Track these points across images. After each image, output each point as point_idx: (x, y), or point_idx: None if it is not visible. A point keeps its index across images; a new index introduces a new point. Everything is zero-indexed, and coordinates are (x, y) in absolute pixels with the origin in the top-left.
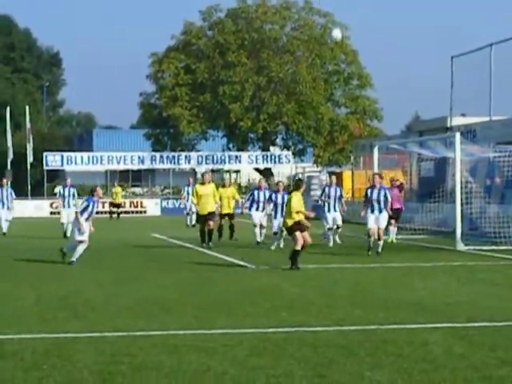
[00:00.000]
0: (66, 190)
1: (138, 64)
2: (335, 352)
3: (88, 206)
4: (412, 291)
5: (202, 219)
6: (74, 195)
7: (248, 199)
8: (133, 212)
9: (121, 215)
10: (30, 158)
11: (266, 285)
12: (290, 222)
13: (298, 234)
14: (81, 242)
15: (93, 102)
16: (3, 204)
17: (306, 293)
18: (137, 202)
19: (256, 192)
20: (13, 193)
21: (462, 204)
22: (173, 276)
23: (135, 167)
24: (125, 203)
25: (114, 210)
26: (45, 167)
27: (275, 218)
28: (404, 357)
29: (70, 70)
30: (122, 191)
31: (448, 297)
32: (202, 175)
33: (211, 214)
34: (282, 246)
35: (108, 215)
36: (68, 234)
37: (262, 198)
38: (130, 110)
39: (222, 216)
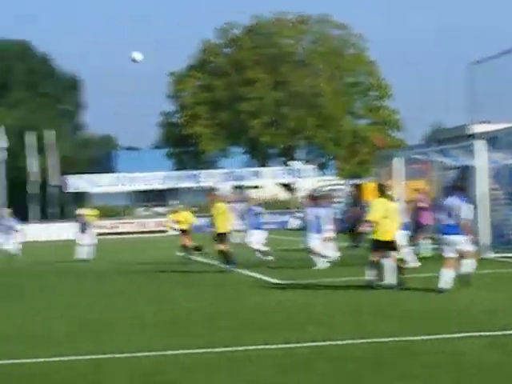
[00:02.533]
0: None
1: (158, 84)
2: (363, 365)
3: None
4: (443, 300)
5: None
6: None
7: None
8: (156, 232)
9: (144, 235)
10: (53, 182)
11: (290, 299)
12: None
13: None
14: None
15: (113, 124)
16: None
17: (331, 306)
18: (160, 222)
19: None
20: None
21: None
22: (188, 293)
23: (158, 187)
24: (148, 223)
25: None
26: (68, 190)
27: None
28: (434, 367)
29: (90, 92)
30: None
31: (480, 305)
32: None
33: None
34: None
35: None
36: None
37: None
38: (150, 130)
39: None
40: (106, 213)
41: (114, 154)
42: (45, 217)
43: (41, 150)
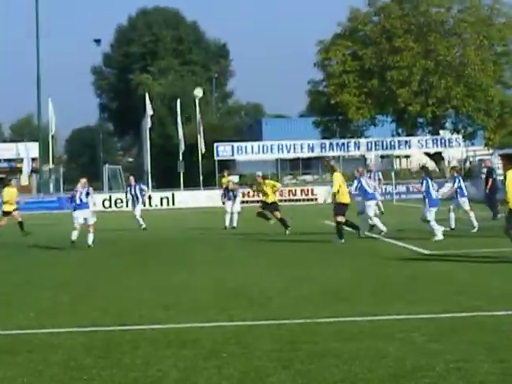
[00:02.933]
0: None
1: (305, 52)
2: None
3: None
4: None
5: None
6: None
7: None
8: (304, 200)
9: (291, 203)
10: (201, 149)
11: (436, 270)
12: None
13: None
14: None
15: (261, 92)
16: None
17: (478, 277)
18: (307, 190)
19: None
20: (144, 187)
21: None
22: (343, 263)
23: (305, 155)
24: (295, 191)
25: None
26: (216, 158)
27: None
28: None
29: (238, 60)
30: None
31: None
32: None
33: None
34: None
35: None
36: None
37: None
38: (298, 98)
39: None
40: (253, 181)
41: (262, 121)
42: (192, 184)
43: (188, 117)
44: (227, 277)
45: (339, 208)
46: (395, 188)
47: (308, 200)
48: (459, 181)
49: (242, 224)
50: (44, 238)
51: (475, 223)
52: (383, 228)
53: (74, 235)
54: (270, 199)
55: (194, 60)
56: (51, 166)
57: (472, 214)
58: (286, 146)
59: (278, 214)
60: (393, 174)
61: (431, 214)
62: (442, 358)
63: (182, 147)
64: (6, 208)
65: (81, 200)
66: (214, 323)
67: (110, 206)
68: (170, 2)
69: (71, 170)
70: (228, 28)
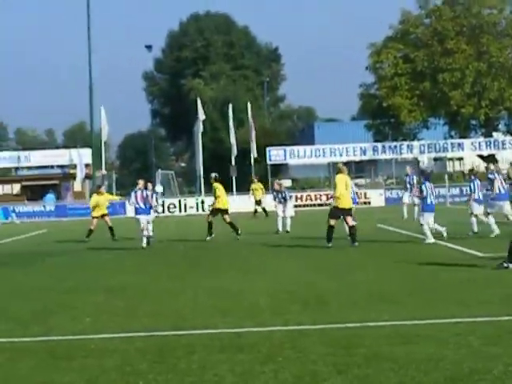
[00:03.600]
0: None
1: (357, 55)
2: None
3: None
4: None
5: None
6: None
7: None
8: (357, 203)
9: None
10: (253, 154)
11: (490, 272)
12: None
13: None
14: None
15: (313, 96)
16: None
17: None
18: (361, 193)
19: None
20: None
21: None
22: (396, 266)
23: (357, 158)
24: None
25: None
26: (268, 162)
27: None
28: None
29: (289, 64)
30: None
31: None
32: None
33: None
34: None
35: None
36: None
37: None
38: (349, 101)
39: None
40: (305, 185)
41: (314, 125)
42: (244, 189)
43: (240, 121)
44: (281, 281)
45: (335, 212)
46: (448, 191)
47: (361, 203)
48: (474, 184)
49: (297, 228)
50: (96, 242)
51: (475, 229)
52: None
53: (145, 242)
54: (221, 205)
55: (246, 64)
56: (104, 172)
57: (474, 220)
58: (339, 149)
59: (227, 218)
60: (446, 177)
61: (424, 219)
62: (499, 361)
63: (235, 152)
64: (95, 213)
65: (144, 204)
66: (269, 327)
67: (163, 212)
68: (221, 7)
69: (123, 176)
70: (279, 32)
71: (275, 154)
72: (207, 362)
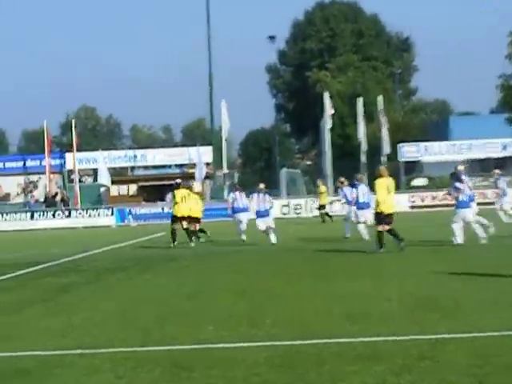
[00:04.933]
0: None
1: (496, 44)
2: None
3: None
4: None
5: None
6: None
7: None
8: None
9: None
10: (385, 150)
11: None
12: None
13: None
14: None
15: (448, 88)
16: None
17: None
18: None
19: None
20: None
21: None
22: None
23: (497, 155)
24: (486, 193)
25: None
26: (400, 159)
27: None
28: None
29: (422, 55)
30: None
31: None
32: None
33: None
34: None
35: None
36: None
37: None
38: (488, 93)
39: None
40: (441, 184)
41: (449, 119)
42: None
43: (370, 116)
44: (411, 286)
45: (379, 217)
46: None
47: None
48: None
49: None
50: (209, 246)
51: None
52: None
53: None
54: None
55: (375, 55)
56: (225, 171)
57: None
58: (477, 145)
59: (197, 226)
60: None
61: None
62: None
63: (364, 148)
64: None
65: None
66: (404, 336)
67: (289, 213)
68: None
69: (246, 175)
70: (410, 20)
71: (407, 151)
72: (338, 372)
